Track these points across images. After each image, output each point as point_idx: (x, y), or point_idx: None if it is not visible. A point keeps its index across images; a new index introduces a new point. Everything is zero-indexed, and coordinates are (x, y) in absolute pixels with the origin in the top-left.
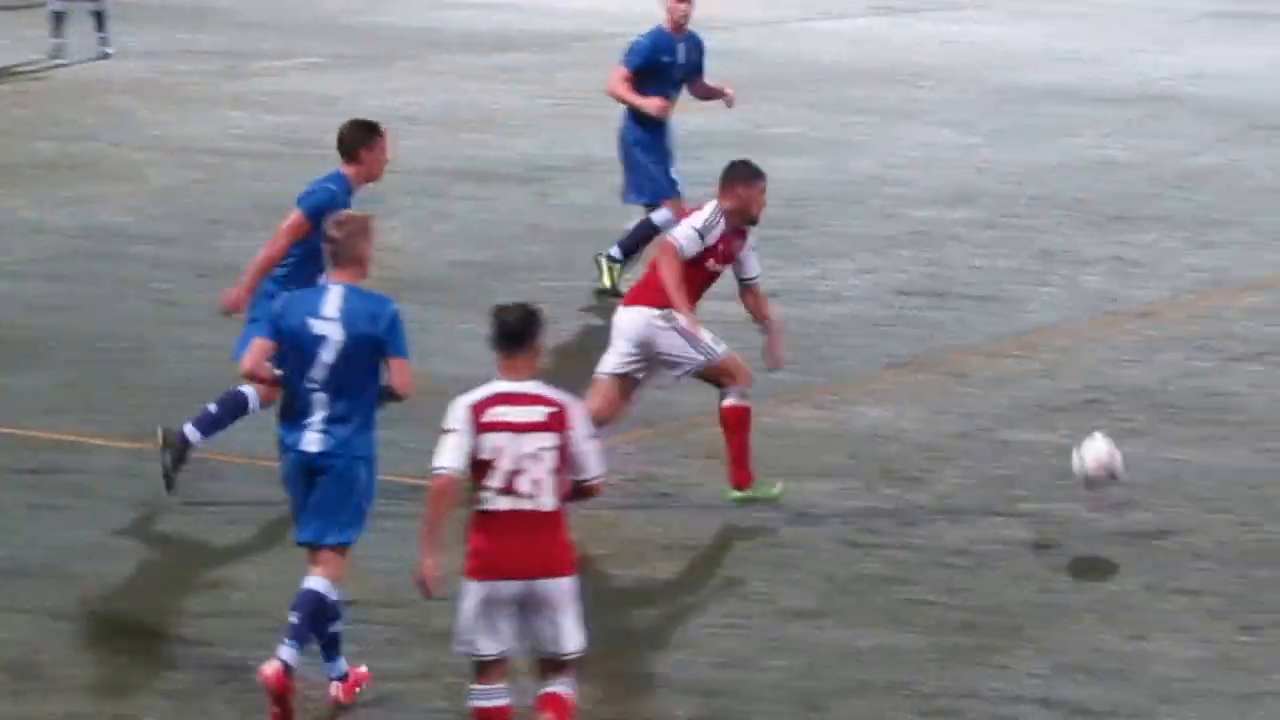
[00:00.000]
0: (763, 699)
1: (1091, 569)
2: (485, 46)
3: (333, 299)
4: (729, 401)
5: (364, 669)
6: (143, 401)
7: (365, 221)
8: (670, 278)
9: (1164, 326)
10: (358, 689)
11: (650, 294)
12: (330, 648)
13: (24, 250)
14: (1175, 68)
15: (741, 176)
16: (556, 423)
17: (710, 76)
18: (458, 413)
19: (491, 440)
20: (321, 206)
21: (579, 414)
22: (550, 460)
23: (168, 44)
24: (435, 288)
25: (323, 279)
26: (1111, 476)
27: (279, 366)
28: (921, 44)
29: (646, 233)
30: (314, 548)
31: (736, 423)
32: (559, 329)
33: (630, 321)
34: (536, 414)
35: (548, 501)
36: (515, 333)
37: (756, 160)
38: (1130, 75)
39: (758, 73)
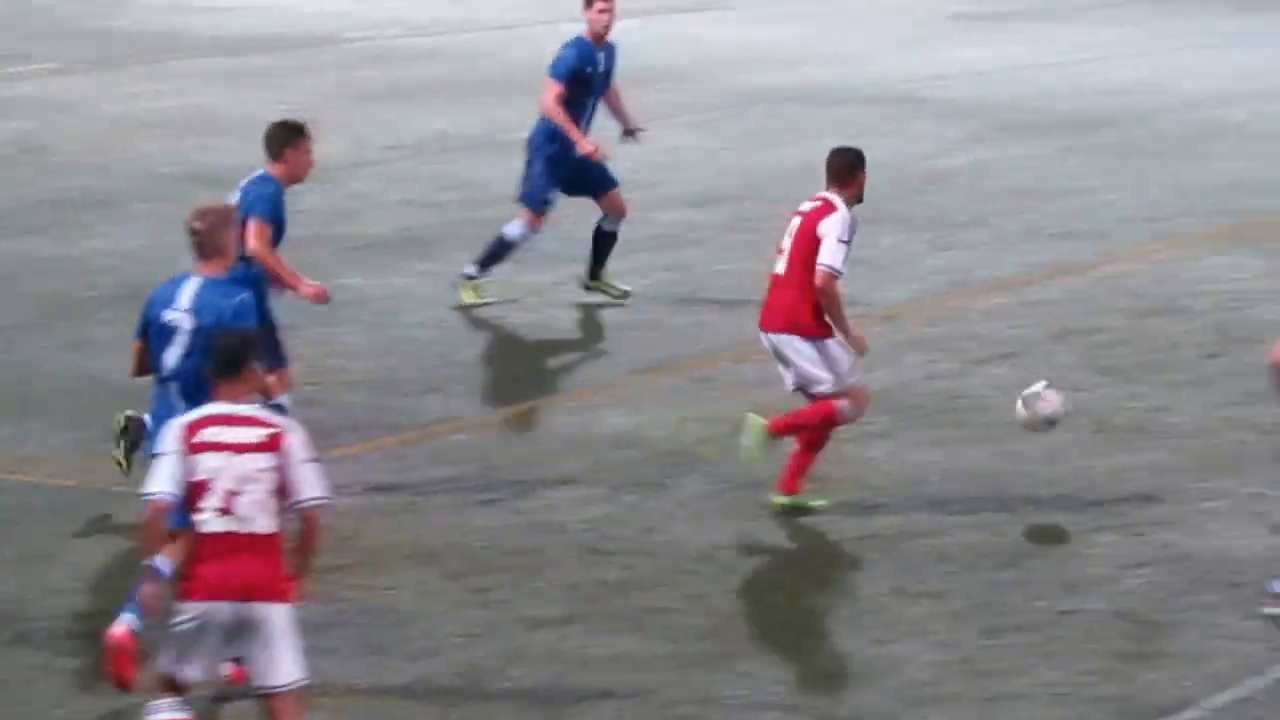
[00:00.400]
0: (505, 708)
1: (836, 573)
2: (226, 50)
3: (188, 290)
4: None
5: None
6: None
7: (227, 213)
8: (836, 309)
9: (907, 329)
10: None
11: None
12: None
13: None
14: (918, 69)
15: (861, 162)
16: (273, 444)
17: (454, 80)
18: (170, 435)
19: (205, 461)
20: (278, 206)
21: (297, 437)
22: (268, 482)
23: None
24: None
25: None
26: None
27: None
28: (665, 46)
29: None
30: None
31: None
32: (295, 337)
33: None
34: (253, 435)
35: (265, 524)
36: (231, 359)
37: (499, 164)
38: (873, 77)
39: (502, 76)
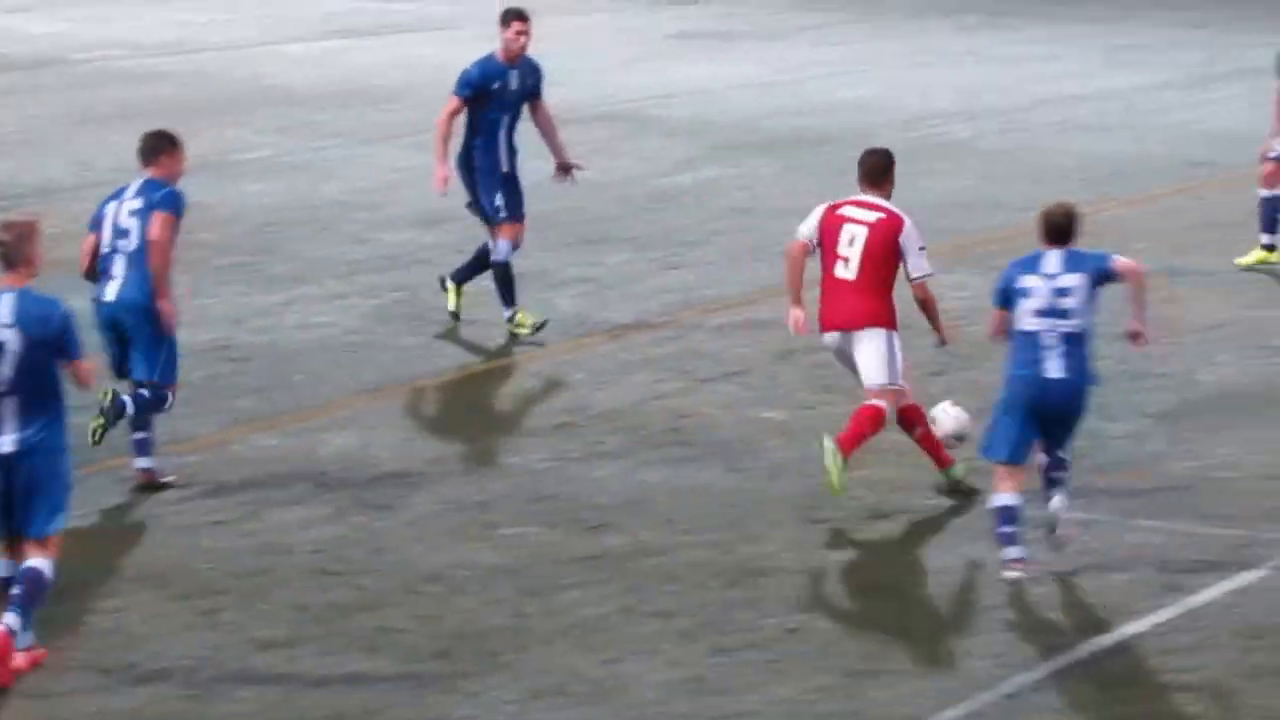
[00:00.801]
0: None
1: (566, 593)
2: None
3: (5, 304)
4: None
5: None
6: None
7: (34, 224)
8: (934, 311)
9: (635, 348)
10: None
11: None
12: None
13: None
14: (645, 89)
15: (893, 162)
16: None
17: (176, 102)
18: None
19: None
20: (182, 205)
21: None
22: None
23: None
24: None
25: None
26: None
27: None
28: (387, 66)
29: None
30: (33, 538)
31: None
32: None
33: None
34: None
35: None
36: None
37: (225, 185)
38: (600, 96)
39: (223, 97)
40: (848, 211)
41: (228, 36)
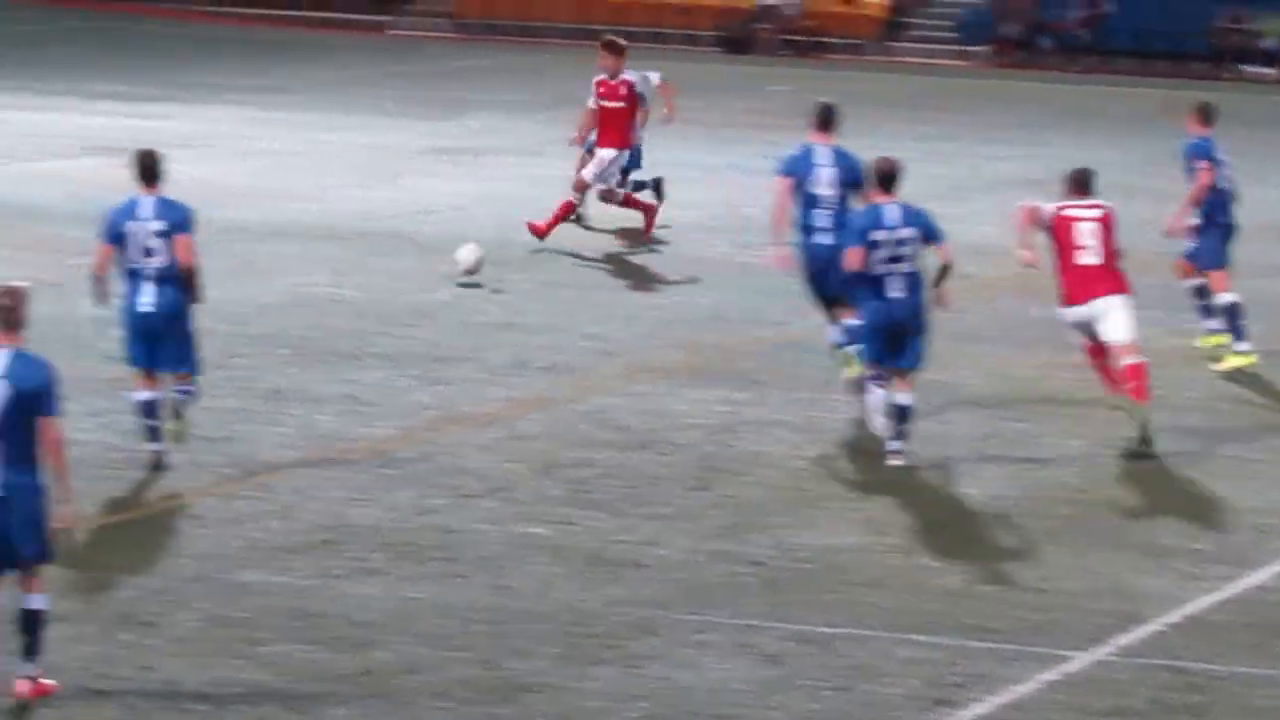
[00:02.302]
0: None
1: (333, 709)
2: None
3: (1, 359)
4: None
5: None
6: None
7: (26, 291)
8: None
9: (397, 464)
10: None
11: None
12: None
13: None
14: (400, 204)
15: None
16: None
17: None
18: None
19: None
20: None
21: None
22: None
23: None
24: None
25: None
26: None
27: None
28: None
29: None
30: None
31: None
32: None
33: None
34: None
35: None
36: None
37: None
38: (354, 212)
39: None
40: (1075, 212)
41: None
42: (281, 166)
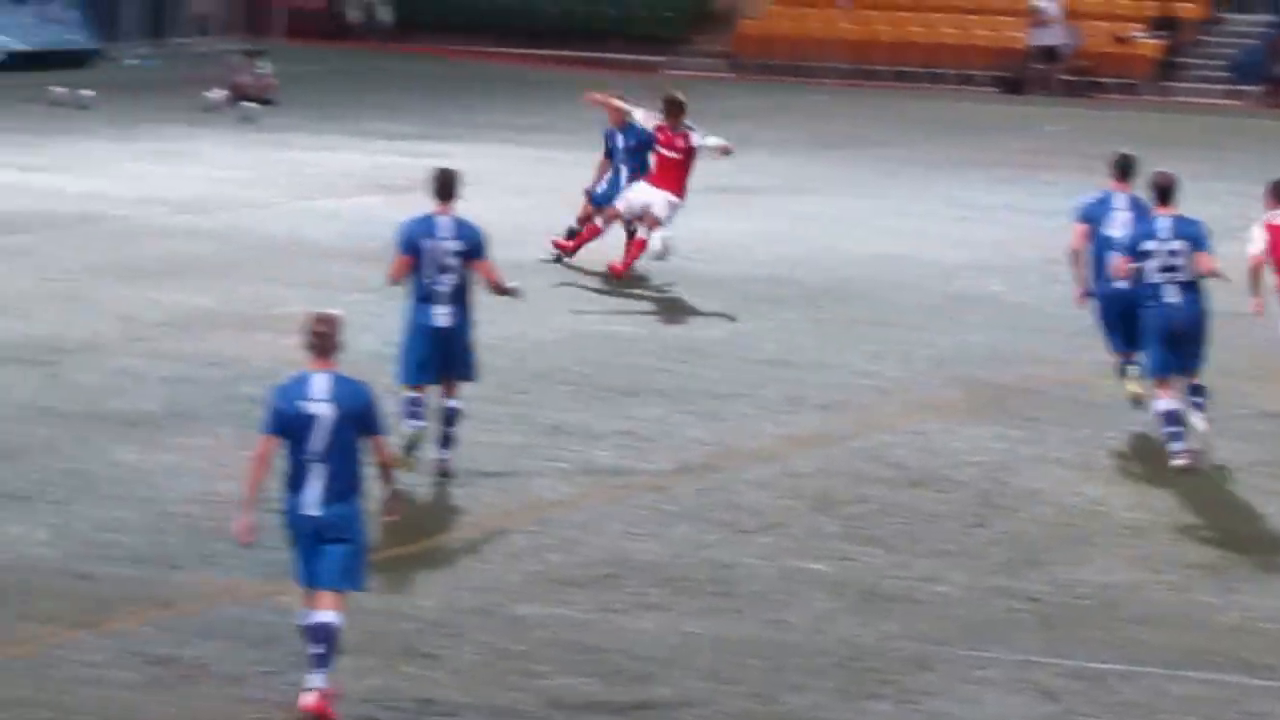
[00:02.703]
0: None
1: None
2: None
3: (321, 384)
4: None
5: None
6: None
7: (340, 318)
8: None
9: (675, 500)
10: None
11: None
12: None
13: None
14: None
15: None
16: None
17: (216, 257)
18: None
19: None
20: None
21: None
22: None
23: None
24: None
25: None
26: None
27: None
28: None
29: None
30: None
31: None
32: (65, 512)
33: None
34: None
35: None
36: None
37: (262, 339)
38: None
39: (260, 252)
40: (1271, 220)
41: (256, 196)
42: (553, 204)
